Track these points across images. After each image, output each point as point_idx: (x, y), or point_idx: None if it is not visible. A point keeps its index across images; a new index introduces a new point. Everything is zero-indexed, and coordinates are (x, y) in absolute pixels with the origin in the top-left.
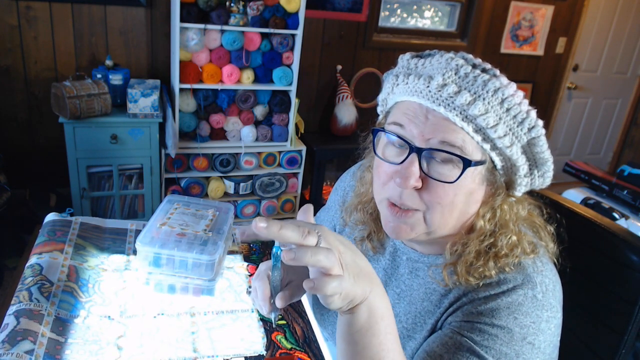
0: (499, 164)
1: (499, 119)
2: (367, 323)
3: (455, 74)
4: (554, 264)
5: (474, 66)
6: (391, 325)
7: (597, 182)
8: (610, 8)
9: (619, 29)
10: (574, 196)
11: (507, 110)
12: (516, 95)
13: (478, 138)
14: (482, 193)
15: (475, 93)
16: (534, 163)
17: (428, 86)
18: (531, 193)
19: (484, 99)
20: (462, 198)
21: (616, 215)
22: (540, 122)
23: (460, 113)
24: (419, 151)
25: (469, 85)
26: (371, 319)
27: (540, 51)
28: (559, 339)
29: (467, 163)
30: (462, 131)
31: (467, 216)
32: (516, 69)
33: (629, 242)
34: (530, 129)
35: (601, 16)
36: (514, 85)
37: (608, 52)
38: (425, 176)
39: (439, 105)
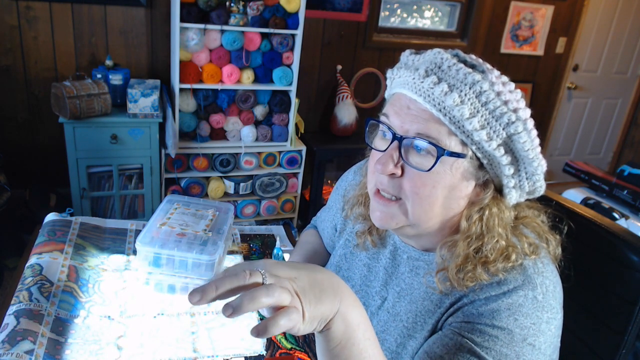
0: (482, 159)
1: (475, 111)
2: (345, 335)
3: (439, 67)
4: (556, 266)
5: (463, 62)
6: (369, 330)
7: (597, 182)
8: (610, 8)
9: (619, 29)
10: (574, 196)
11: (485, 103)
12: (498, 91)
13: (456, 130)
14: (467, 191)
15: (453, 85)
16: (518, 162)
17: (414, 78)
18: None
19: (460, 90)
20: (443, 192)
21: (616, 215)
22: (524, 120)
23: (438, 104)
24: (399, 139)
25: (449, 77)
26: (348, 330)
27: (540, 51)
28: (559, 340)
29: (440, 152)
30: (439, 123)
31: (451, 212)
32: (516, 69)
33: (629, 242)
34: (508, 124)
35: (601, 16)
36: (509, 84)
37: (608, 52)
38: (404, 164)
39: (420, 96)
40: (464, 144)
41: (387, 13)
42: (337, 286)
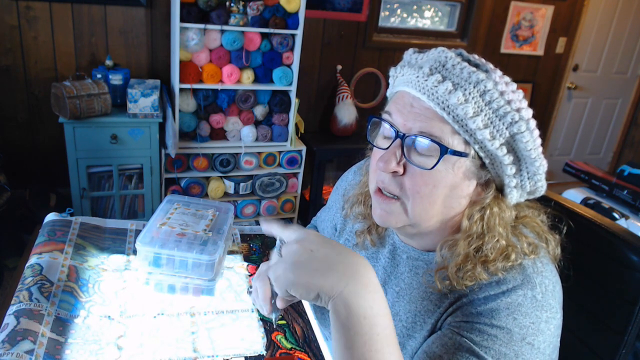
0: (484, 159)
1: (479, 110)
2: (347, 322)
3: (443, 65)
4: (556, 266)
5: (467, 61)
6: (380, 325)
7: (597, 182)
8: (610, 8)
9: (619, 29)
10: (574, 196)
11: (489, 102)
12: (501, 90)
13: (459, 129)
14: (468, 190)
15: (457, 83)
16: (520, 162)
17: (417, 76)
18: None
19: (465, 89)
20: (444, 191)
21: (616, 215)
22: (527, 119)
23: (442, 102)
24: (402, 137)
25: (453, 76)
26: (351, 318)
27: (540, 51)
28: (558, 339)
29: (443, 150)
30: (442, 121)
31: (452, 211)
32: (516, 69)
33: (629, 242)
34: (512, 124)
35: (601, 16)
36: (511, 84)
37: (608, 52)
38: (406, 162)
39: (424, 94)
40: (466, 143)
41: (387, 13)
42: (351, 272)
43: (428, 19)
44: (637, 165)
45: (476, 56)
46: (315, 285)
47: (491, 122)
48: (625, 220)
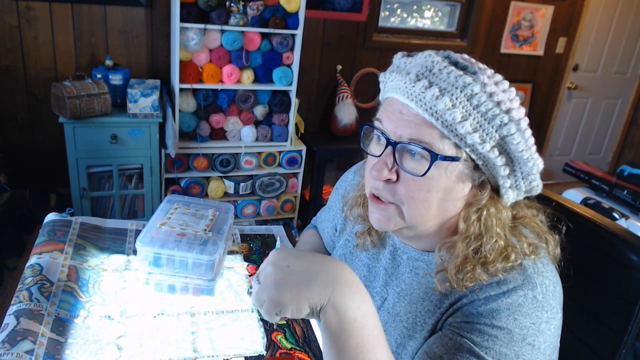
0: (477, 161)
1: (467, 114)
2: (339, 326)
3: (430, 70)
4: (556, 266)
5: (454, 64)
6: (370, 326)
7: (597, 182)
8: (610, 8)
9: (619, 29)
10: (574, 196)
11: (477, 106)
12: (490, 92)
13: (448, 134)
14: (463, 192)
15: (444, 89)
16: (513, 163)
17: (405, 82)
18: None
19: (452, 94)
20: (438, 195)
21: (616, 215)
22: (517, 120)
23: (430, 108)
24: (393, 145)
25: (440, 80)
26: (343, 323)
27: (540, 51)
28: (558, 340)
29: (433, 157)
30: (431, 127)
31: (448, 214)
32: (516, 69)
33: (629, 242)
34: (501, 126)
35: (601, 16)
36: (502, 83)
37: (608, 52)
38: (399, 169)
39: (412, 100)
40: (457, 146)
41: (387, 13)
42: (333, 277)
43: (428, 19)
44: (637, 165)
45: (465, 56)
46: (302, 297)
47: (480, 126)
48: (625, 220)
